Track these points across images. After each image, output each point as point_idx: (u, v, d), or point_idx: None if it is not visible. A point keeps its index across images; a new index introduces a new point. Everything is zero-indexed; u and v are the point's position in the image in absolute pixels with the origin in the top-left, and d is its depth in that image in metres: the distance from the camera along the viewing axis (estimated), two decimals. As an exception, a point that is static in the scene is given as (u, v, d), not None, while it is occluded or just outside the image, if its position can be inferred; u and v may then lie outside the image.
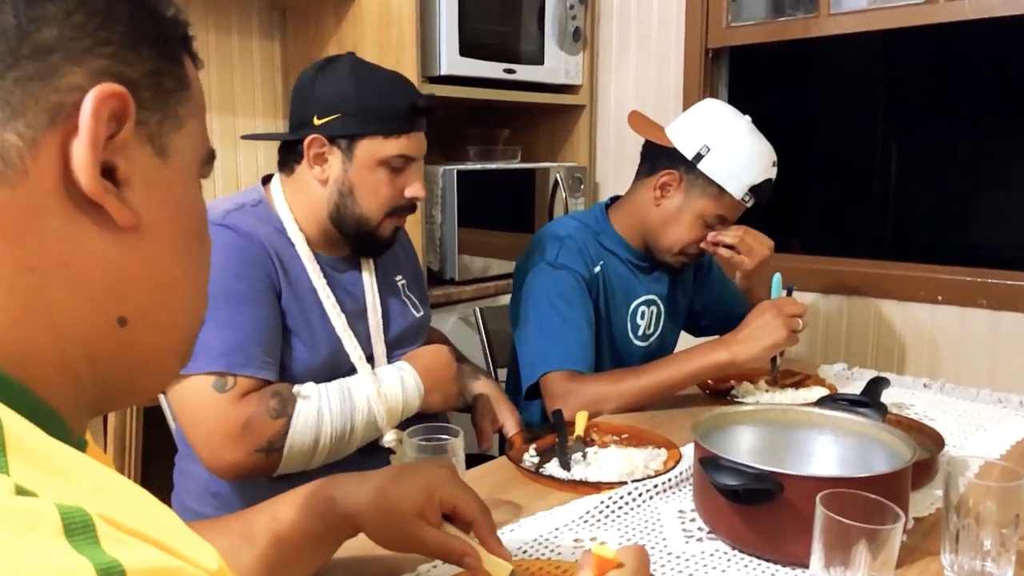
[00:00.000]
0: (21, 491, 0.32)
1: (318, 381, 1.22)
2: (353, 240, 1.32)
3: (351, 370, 1.28)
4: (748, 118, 1.60)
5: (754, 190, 1.55)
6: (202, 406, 1.13)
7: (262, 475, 1.19)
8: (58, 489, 0.33)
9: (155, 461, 1.55)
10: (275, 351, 1.20)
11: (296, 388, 1.19)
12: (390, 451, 1.29)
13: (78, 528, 0.31)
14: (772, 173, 1.57)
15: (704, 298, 1.86)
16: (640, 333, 1.70)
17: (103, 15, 0.42)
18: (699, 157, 1.55)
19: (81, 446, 0.45)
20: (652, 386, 1.44)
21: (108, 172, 0.42)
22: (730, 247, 1.61)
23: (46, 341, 0.42)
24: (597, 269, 1.63)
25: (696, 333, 1.91)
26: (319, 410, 1.18)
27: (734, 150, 1.54)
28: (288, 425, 1.15)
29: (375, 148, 1.26)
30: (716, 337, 1.50)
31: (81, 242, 0.42)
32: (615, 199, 1.74)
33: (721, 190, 1.55)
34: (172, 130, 0.46)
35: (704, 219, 1.58)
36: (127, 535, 0.33)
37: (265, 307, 1.20)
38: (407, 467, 0.83)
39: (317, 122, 1.25)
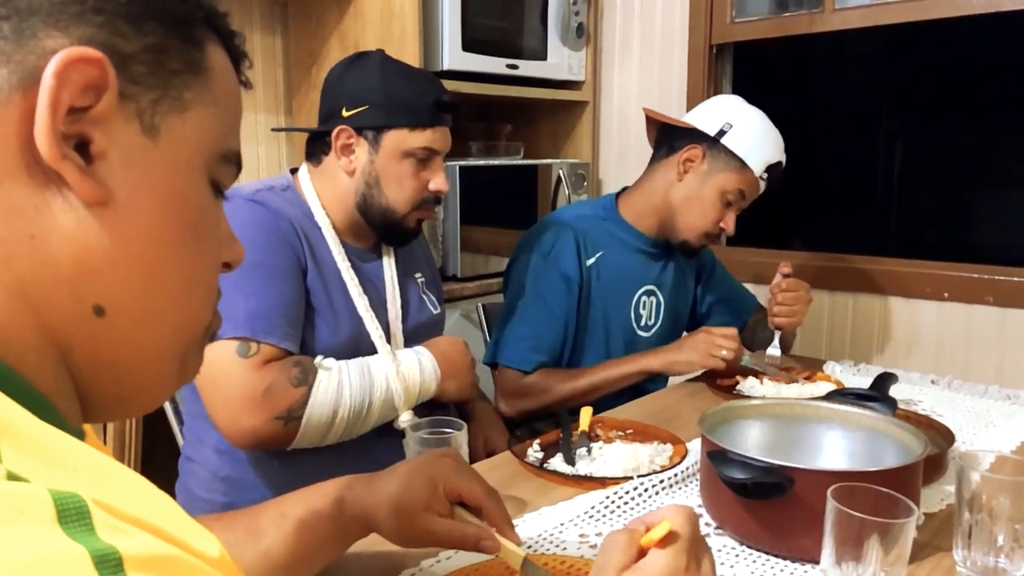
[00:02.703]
0: (13, 477, 0.30)
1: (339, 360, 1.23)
2: (379, 229, 1.35)
3: (371, 353, 1.29)
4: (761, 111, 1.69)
5: (769, 170, 1.62)
6: (224, 371, 1.13)
7: (279, 445, 1.19)
8: (52, 476, 0.32)
9: (155, 460, 1.54)
10: (298, 325, 1.22)
11: (317, 360, 1.20)
12: (403, 434, 1.30)
13: (73, 514, 0.30)
14: (783, 158, 1.65)
15: (708, 300, 1.88)
16: (643, 324, 1.72)
17: None
18: (722, 133, 1.61)
19: (78, 438, 0.43)
20: (585, 387, 1.56)
21: (83, 146, 0.40)
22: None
23: (24, 322, 0.40)
24: (591, 261, 1.65)
25: None
26: (339, 383, 1.20)
27: (754, 128, 1.62)
28: (308, 394, 1.16)
29: (401, 140, 1.29)
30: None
31: (48, 214, 0.40)
32: (624, 190, 1.77)
33: (743, 164, 1.61)
34: (170, 112, 0.44)
35: (725, 195, 1.63)
36: (124, 522, 0.31)
37: (291, 282, 1.22)
38: (411, 463, 0.82)
39: (345, 113, 1.29)
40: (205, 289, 0.48)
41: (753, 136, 1.61)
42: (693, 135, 1.63)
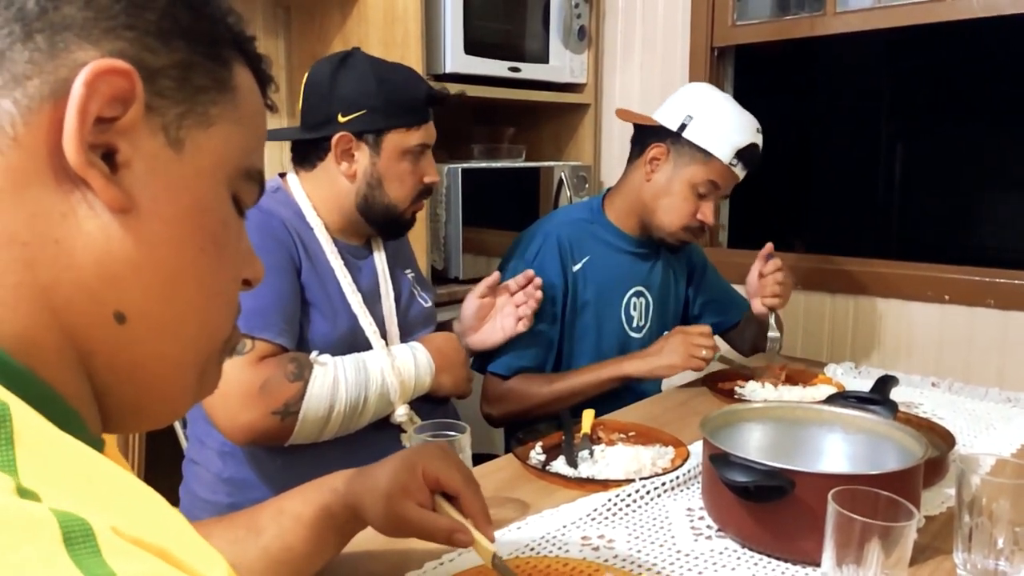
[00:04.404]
0: (23, 492, 0.30)
1: (335, 356, 1.24)
2: (379, 225, 1.37)
3: (367, 347, 1.31)
4: (727, 94, 1.68)
5: (741, 155, 1.59)
6: None
7: (276, 441, 1.20)
8: (65, 488, 0.32)
9: (158, 463, 1.55)
10: (293, 322, 1.23)
11: (313, 355, 1.22)
12: (400, 429, 1.31)
13: (78, 537, 0.30)
14: (758, 139, 1.61)
15: (700, 301, 1.88)
16: (634, 325, 1.72)
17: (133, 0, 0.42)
18: (683, 127, 1.60)
19: (98, 447, 0.43)
20: (563, 391, 1.56)
21: (109, 155, 0.41)
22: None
23: (45, 325, 0.40)
24: (577, 267, 1.66)
25: None
26: (335, 378, 1.21)
27: (716, 116, 1.60)
28: (305, 389, 1.17)
29: (400, 140, 1.31)
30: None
31: (73, 220, 0.41)
32: (609, 190, 1.78)
33: (708, 155, 1.59)
34: (195, 126, 0.45)
35: (696, 187, 1.61)
36: (130, 544, 0.31)
37: (285, 279, 1.23)
38: (398, 452, 0.83)
39: (342, 119, 1.29)
40: (225, 301, 0.49)
41: (715, 124, 1.59)
42: (658, 133, 1.63)
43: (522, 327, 1.49)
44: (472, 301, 1.48)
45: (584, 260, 1.66)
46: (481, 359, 1.62)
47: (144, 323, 0.44)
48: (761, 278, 1.65)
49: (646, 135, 1.66)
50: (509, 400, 1.59)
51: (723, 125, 1.59)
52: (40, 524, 0.29)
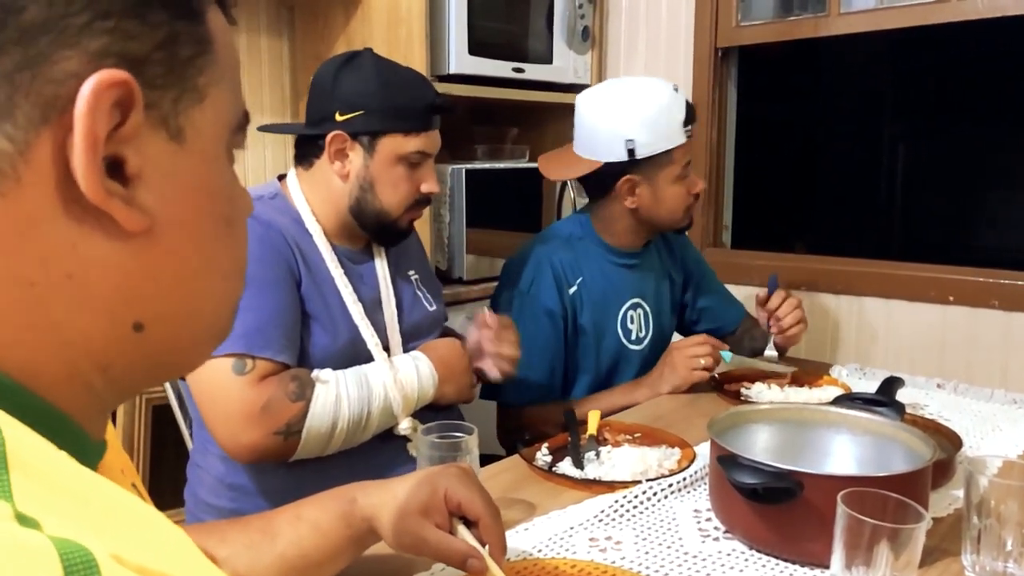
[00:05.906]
0: (22, 519, 0.29)
1: (336, 368, 1.23)
2: (373, 231, 1.34)
3: (368, 358, 1.29)
4: (624, 78, 1.67)
5: (686, 123, 1.58)
6: (221, 388, 1.13)
7: (280, 459, 1.19)
8: (64, 512, 0.30)
9: (163, 464, 1.55)
10: (294, 336, 1.22)
11: (315, 373, 1.20)
12: (405, 439, 1.31)
13: (80, 569, 0.28)
14: (685, 96, 1.60)
15: (698, 306, 1.88)
16: (633, 337, 1.71)
17: None
18: (632, 152, 1.57)
19: (101, 450, 0.43)
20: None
21: (115, 166, 0.37)
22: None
23: (54, 357, 0.38)
24: (573, 289, 1.64)
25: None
26: (337, 395, 1.20)
27: (646, 117, 1.57)
28: (307, 409, 1.16)
29: (396, 145, 1.29)
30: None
31: (84, 250, 0.37)
32: (593, 209, 1.74)
33: (668, 152, 1.58)
34: (190, 106, 0.40)
35: (679, 178, 1.62)
36: (132, 573, 0.30)
37: (284, 292, 1.22)
38: (422, 471, 0.83)
39: (339, 118, 1.27)
40: (240, 271, 0.47)
41: (652, 124, 1.56)
42: (614, 171, 1.59)
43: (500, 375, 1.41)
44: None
45: (579, 281, 1.64)
46: (490, 389, 1.58)
47: (163, 325, 0.42)
48: (769, 316, 1.68)
49: (601, 178, 1.62)
50: (526, 428, 1.57)
51: (655, 118, 1.56)
52: (40, 557, 0.28)
